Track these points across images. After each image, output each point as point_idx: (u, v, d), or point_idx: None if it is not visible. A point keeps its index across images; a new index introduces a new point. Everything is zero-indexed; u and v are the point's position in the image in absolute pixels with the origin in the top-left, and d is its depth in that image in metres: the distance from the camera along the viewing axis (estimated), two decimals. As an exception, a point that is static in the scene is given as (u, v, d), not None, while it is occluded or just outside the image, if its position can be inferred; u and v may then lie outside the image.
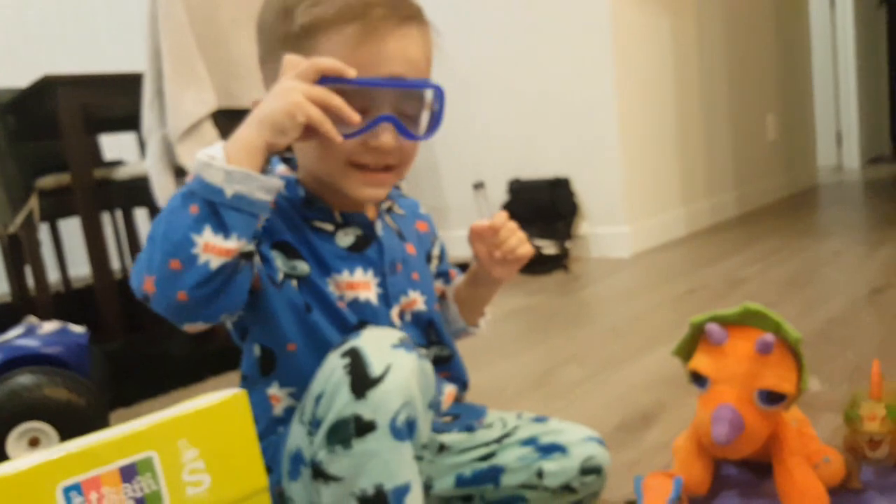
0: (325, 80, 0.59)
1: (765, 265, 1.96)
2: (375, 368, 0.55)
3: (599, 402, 1.13)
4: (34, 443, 1.12)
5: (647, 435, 0.98)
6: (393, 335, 0.58)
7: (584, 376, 1.26)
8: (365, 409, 0.54)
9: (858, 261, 1.89)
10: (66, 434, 1.11)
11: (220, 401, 0.50)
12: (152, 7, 1.66)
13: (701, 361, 0.79)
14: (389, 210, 0.75)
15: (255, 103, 0.62)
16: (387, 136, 0.63)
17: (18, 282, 2.46)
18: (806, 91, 3.73)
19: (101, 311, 1.96)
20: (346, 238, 0.68)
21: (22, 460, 0.43)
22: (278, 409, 0.66)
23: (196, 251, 0.54)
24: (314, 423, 0.57)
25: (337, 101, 0.58)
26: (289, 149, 0.68)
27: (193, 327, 0.59)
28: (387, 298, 0.69)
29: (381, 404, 0.54)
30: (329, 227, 0.68)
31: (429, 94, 0.67)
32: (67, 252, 2.84)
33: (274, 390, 0.66)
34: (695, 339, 0.84)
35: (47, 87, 1.86)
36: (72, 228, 2.91)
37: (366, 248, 0.69)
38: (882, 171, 4.12)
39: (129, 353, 1.78)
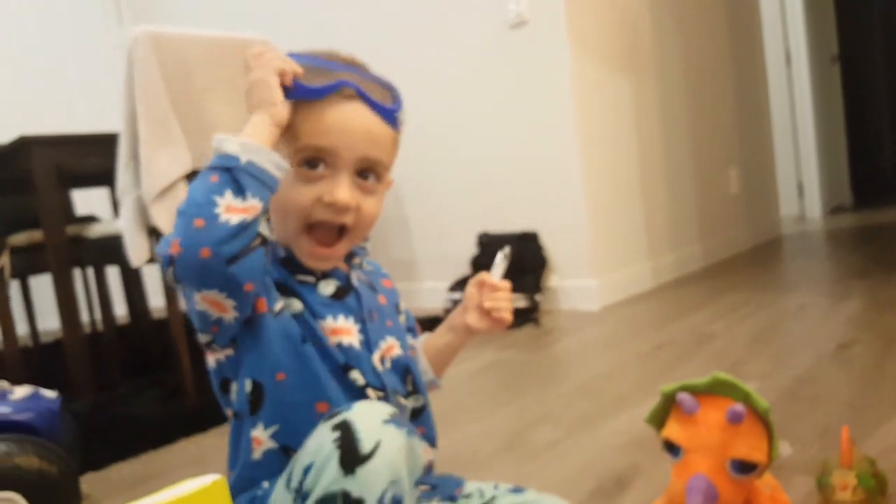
0: (289, 93, 0.66)
1: (731, 320, 2.00)
2: (365, 445, 0.56)
3: (573, 466, 1.14)
4: (4, 513, 1.09)
5: (622, 500, 0.99)
6: (384, 410, 0.60)
7: (556, 438, 1.27)
8: (353, 486, 0.55)
9: (823, 315, 1.93)
10: (36, 503, 1.09)
11: (199, 488, 0.50)
12: (129, 71, 1.68)
13: (673, 430, 0.81)
14: (359, 266, 0.79)
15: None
16: (342, 191, 0.67)
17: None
18: (766, 144, 3.86)
19: (70, 368, 1.93)
20: (327, 288, 0.72)
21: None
22: (258, 453, 0.67)
23: (218, 210, 0.60)
24: (302, 495, 0.58)
25: (297, 68, 0.67)
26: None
27: (210, 296, 0.62)
28: (368, 344, 0.72)
29: (370, 482, 0.55)
30: (311, 279, 0.72)
31: (388, 142, 0.72)
32: (36, 303, 2.80)
33: (258, 432, 0.67)
34: (667, 407, 0.85)
35: (22, 147, 1.87)
36: (41, 281, 2.87)
37: (345, 297, 0.73)
38: (844, 221, 4.26)
39: (98, 414, 1.75)
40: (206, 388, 1.79)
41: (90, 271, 2.65)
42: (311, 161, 0.67)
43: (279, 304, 0.68)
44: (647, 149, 2.80)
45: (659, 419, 0.86)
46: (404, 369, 0.76)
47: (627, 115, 2.70)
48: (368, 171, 0.70)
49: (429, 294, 2.77)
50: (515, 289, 2.44)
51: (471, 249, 2.71)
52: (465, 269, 2.72)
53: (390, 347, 0.75)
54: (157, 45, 1.69)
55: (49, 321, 3.17)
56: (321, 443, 0.57)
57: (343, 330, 0.70)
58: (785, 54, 4.47)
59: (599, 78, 2.54)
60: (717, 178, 3.32)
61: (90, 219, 2.54)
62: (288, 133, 0.67)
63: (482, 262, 2.68)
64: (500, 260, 0.83)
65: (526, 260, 2.55)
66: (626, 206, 2.66)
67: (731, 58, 3.50)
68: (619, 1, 2.68)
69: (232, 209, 0.60)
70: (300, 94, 0.67)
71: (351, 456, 0.55)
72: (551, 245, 2.54)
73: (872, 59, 5.62)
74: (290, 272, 0.71)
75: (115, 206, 2.74)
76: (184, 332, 1.83)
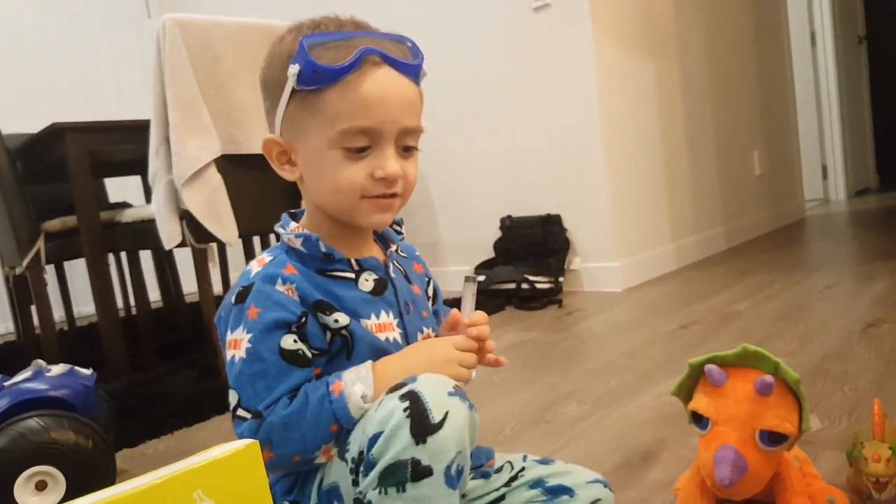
0: (318, 79, 0.65)
1: (756, 300, 2.00)
2: (435, 415, 0.57)
3: (599, 441, 1.15)
4: (41, 487, 1.13)
5: (649, 474, 1.00)
6: (448, 382, 0.62)
7: (582, 414, 1.28)
8: (423, 455, 0.56)
9: (850, 295, 1.93)
10: (73, 478, 1.12)
11: (233, 451, 0.51)
12: (158, 57, 1.71)
13: (701, 402, 0.82)
14: (394, 253, 0.79)
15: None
16: (391, 164, 0.68)
17: (24, 320, 2.48)
18: (790, 126, 3.82)
19: (105, 350, 1.98)
20: (367, 283, 0.73)
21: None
22: None
23: (317, 454, 0.65)
24: (366, 463, 0.59)
25: (473, 361, 0.71)
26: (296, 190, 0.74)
27: None
28: (406, 337, 0.74)
29: (440, 451, 0.57)
30: (350, 275, 0.72)
31: (419, 101, 0.72)
32: (72, 289, 2.87)
33: None
34: (694, 380, 0.87)
35: (56, 134, 1.90)
36: (76, 267, 2.93)
37: (384, 291, 0.73)
38: (869, 203, 4.21)
39: (132, 393, 1.79)
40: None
41: (123, 256, 2.70)
42: (356, 141, 0.67)
43: (327, 336, 0.69)
44: (670, 131, 2.78)
45: (686, 391, 0.87)
46: None
47: (650, 97, 2.68)
48: (407, 138, 0.70)
49: (453, 276, 2.79)
50: (539, 271, 2.46)
51: (495, 233, 2.72)
52: (488, 253, 2.74)
53: (427, 338, 0.77)
54: (185, 31, 1.72)
55: (84, 306, 3.25)
56: (390, 412, 0.58)
57: (385, 326, 0.71)
58: (810, 35, 4.41)
59: (622, 61, 2.53)
60: (741, 161, 3.30)
61: (124, 205, 2.59)
62: (323, 115, 0.67)
63: (505, 245, 2.69)
64: (468, 289, 0.76)
65: (549, 242, 2.56)
66: (648, 188, 2.65)
67: (755, 39, 3.46)
68: (641, -18, 2.66)
69: (326, 452, 0.65)
70: (329, 78, 0.65)
71: (422, 425, 0.57)
72: (574, 228, 2.54)
73: (900, 39, 5.50)
74: (327, 272, 0.71)
75: (147, 193, 2.79)
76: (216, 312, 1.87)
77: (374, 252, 0.77)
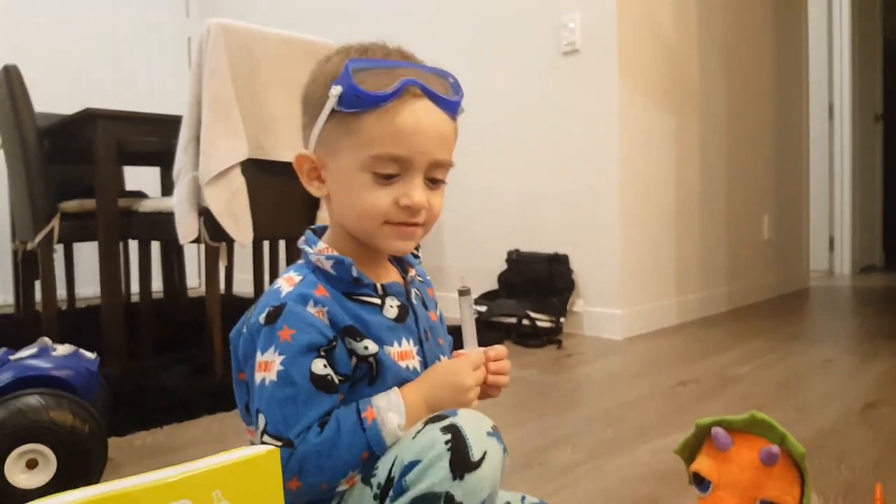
0: (358, 103, 0.67)
1: (756, 365, 2.01)
2: (475, 452, 0.59)
3: (592, 491, 1.15)
4: (32, 465, 1.12)
5: (641, 528, 1.00)
6: (487, 421, 0.63)
7: (576, 461, 1.28)
8: (458, 491, 0.57)
9: (851, 372, 1.93)
10: (64, 460, 1.12)
11: (254, 455, 0.52)
12: (199, 58, 1.74)
13: (704, 464, 0.82)
14: (414, 279, 0.80)
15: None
16: (417, 194, 0.69)
17: (26, 296, 2.48)
18: (802, 195, 3.86)
19: (104, 335, 1.98)
20: (391, 310, 0.73)
21: (55, 499, 0.43)
22: None
23: (343, 481, 0.65)
24: (396, 488, 0.60)
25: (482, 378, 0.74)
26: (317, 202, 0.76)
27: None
28: (426, 365, 0.74)
29: (474, 490, 0.58)
30: (377, 300, 0.73)
31: (453, 136, 0.73)
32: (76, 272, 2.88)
33: None
34: (699, 441, 0.87)
35: (88, 118, 1.93)
36: (82, 249, 2.94)
37: (406, 318, 0.74)
38: (873, 281, 4.23)
39: (127, 382, 1.79)
40: (235, 369, 1.84)
41: (132, 244, 2.72)
42: (386, 167, 0.68)
43: (353, 361, 0.69)
44: (685, 187, 2.82)
45: (689, 451, 0.88)
46: None
47: (669, 151, 2.72)
48: (437, 171, 0.71)
49: (455, 303, 2.79)
50: (541, 309, 2.47)
51: (501, 265, 2.74)
52: (492, 284, 2.75)
53: None
54: (228, 36, 1.75)
55: (84, 287, 3.25)
56: (432, 442, 0.59)
57: (407, 354, 0.72)
58: (828, 108, 4.47)
59: (645, 112, 2.57)
60: (751, 223, 3.33)
61: (140, 194, 2.61)
62: (358, 137, 0.68)
63: (510, 279, 2.71)
64: (465, 302, 0.77)
65: (554, 281, 2.57)
66: (658, 240, 2.68)
67: (775, 106, 3.51)
68: (669, 38, 2.71)
69: (350, 480, 0.65)
70: (369, 104, 0.67)
71: (462, 461, 0.58)
72: (581, 270, 2.56)
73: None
74: (354, 295, 0.71)
75: (164, 185, 2.82)
76: (219, 311, 1.88)
77: (393, 276, 0.78)
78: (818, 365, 2.01)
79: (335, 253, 0.72)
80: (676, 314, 2.73)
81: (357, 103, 0.67)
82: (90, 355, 1.31)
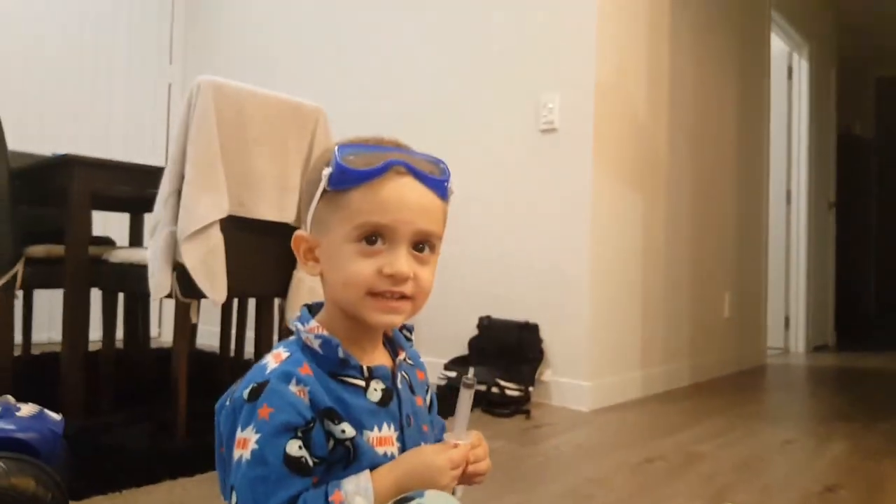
0: (345, 180, 0.70)
1: (718, 443, 2.03)
2: None
3: (566, 571, 1.14)
4: (-14, 531, 1.07)
5: None
6: (453, 501, 0.64)
7: (549, 539, 1.28)
8: None
9: (809, 454, 1.97)
10: (20, 527, 1.07)
11: None
12: (187, 113, 1.76)
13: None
14: (404, 361, 0.80)
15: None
16: (401, 263, 0.70)
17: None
18: (760, 274, 3.99)
19: (63, 387, 1.92)
20: (375, 394, 0.73)
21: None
22: None
23: None
24: None
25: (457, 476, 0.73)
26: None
27: None
28: (404, 449, 0.73)
29: None
30: (361, 382, 0.73)
31: (439, 213, 0.75)
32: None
33: None
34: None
35: (65, 164, 1.91)
36: (39, 294, 2.86)
37: (389, 402, 0.74)
38: (826, 360, 4.35)
39: (85, 439, 1.72)
40: (198, 429, 1.79)
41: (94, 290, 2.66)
42: (371, 237, 0.70)
43: (330, 444, 0.69)
44: (651, 263, 2.89)
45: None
46: None
47: (637, 227, 2.80)
48: (423, 243, 0.73)
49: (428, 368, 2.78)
50: (511, 377, 2.48)
51: (472, 330, 2.75)
52: (463, 348, 2.75)
53: None
54: (218, 94, 1.78)
55: (39, 333, 3.15)
56: None
57: (385, 440, 0.72)
58: (786, 194, 4.68)
59: (617, 189, 2.66)
60: (712, 300, 3.42)
61: (107, 240, 2.56)
62: (345, 211, 0.71)
63: (480, 344, 2.71)
64: (465, 395, 0.76)
65: (524, 350, 2.58)
66: (626, 313, 2.73)
67: (737, 189, 3.67)
68: (641, 121, 2.83)
69: None
70: (355, 180, 0.70)
71: None
72: (550, 340, 2.58)
73: (866, 210, 5.88)
74: (338, 375, 0.72)
75: (133, 232, 2.78)
76: (186, 368, 1.84)
77: (383, 358, 0.78)
78: (777, 445, 2.05)
79: (324, 332, 0.73)
80: (641, 387, 2.76)
81: (343, 180, 0.70)
82: (55, 416, 1.27)
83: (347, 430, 0.68)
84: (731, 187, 3.62)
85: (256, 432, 0.65)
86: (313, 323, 0.74)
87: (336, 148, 0.71)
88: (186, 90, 1.80)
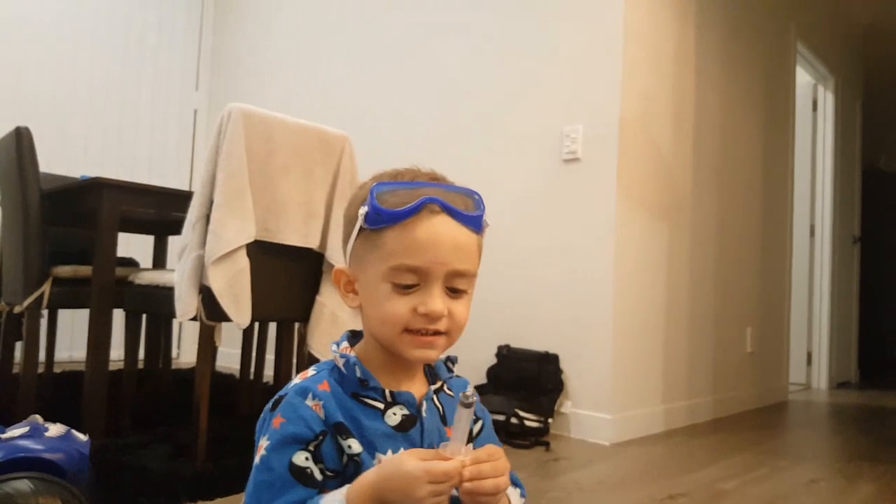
0: (379, 220, 0.72)
1: (743, 481, 1.99)
2: None
3: None
4: (12, 551, 1.08)
5: None
6: None
7: (573, 576, 1.25)
8: None
9: (837, 494, 1.93)
10: (44, 547, 1.08)
11: None
12: (217, 140, 1.79)
13: None
14: (440, 391, 0.80)
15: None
16: (434, 302, 0.71)
17: (5, 357, 2.42)
18: (783, 310, 3.94)
19: (85, 407, 1.93)
20: (394, 417, 0.74)
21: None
22: None
23: None
24: None
25: (445, 498, 0.66)
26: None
27: None
28: None
29: None
30: (380, 405, 0.74)
31: (474, 248, 0.76)
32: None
33: None
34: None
35: (96, 187, 1.95)
36: (63, 313, 2.90)
37: (410, 429, 0.74)
38: (850, 397, 4.27)
39: (105, 459, 1.73)
40: (218, 451, 1.79)
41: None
42: (405, 277, 0.72)
43: (344, 459, 0.70)
44: (674, 297, 2.87)
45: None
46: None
47: (661, 260, 2.79)
48: (457, 280, 0.74)
49: (439, 397, 2.76)
50: (530, 408, 2.45)
51: (491, 359, 2.73)
52: (481, 377, 2.73)
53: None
54: (248, 121, 1.80)
55: (62, 352, 3.18)
56: None
57: None
58: (810, 228, 4.63)
59: (640, 221, 2.65)
60: (735, 335, 3.38)
61: (131, 261, 2.60)
62: (381, 251, 0.72)
63: (499, 374, 2.69)
64: (463, 414, 0.68)
65: (542, 381, 2.56)
66: (648, 346, 2.70)
67: (761, 223, 3.64)
68: (665, 153, 2.83)
69: None
70: (390, 220, 0.72)
71: None
72: (570, 371, 2.56)
73: (891, 245, 5.80)
74: (358, 395, 0.73)
75: (157, 254, 2.81)
76: (208, 391, 1.84)
77: (417, 386, 0.78)
78: (804, 484, 2.01)
79: (350, 353, 0.76)
80: (664, 421, 2.72)
81: (378, 220, 0.72)
82: (82, 437, 1.28)
83: (354, 446, 0.70)
84: (755, 221, 3.59)
85: (268, 440, 0.70)
86: (344, 345, 0.78)
87: (373, 187, 0.73)
88: (211, 116, 1.84)
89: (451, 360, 0.85)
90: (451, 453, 0.67)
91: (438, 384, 0.81)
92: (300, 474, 0.68)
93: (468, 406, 0.68)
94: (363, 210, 0.73)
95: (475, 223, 0.75)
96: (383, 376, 0.75)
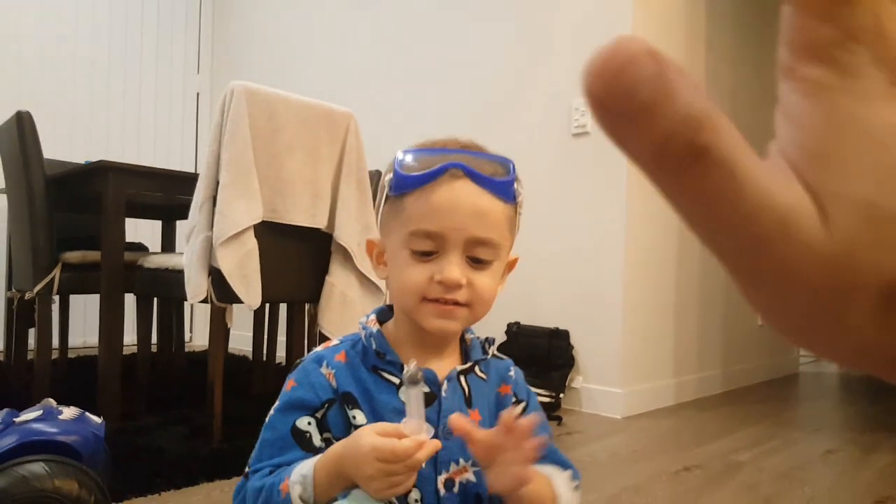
0: (398, 186, 0.70)
1: (757, 452, 1.99)
2: None
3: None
4: (32, 534, 1.08)
5: None
6: None
7: (590, 548, 1.25)
8: None
9: (854, 465, 1.92)
10: (65, 529, 1.08)
11: None
12: (220, 119, 1.77)
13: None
14: (468, 371, 0.76)
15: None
16: (450, 270, 0.68)
17: (18, 344, 2.43)
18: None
19: (100, 390, 1.94)
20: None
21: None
22: None
23: None
24: None
25: (404, 477, 0.63)
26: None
27: None
28: (436, 464, 0.69)
29: None
30: (395, 379, 0.72)
31: (500, 217, 0.71)
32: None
33: None
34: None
35: (100, 171, 1.93)
36: (76, 299, 2.90)
37: (426, 407, 0.69)
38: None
39: (122, 441, 1.73)
40: (233, 432, 1.79)
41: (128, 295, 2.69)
42: (423, 243, 0.69)
43: (352, 429, 0.69)
44: (686, 270, 2.85)
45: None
46: (475, 498, 0.71)
47: (671, 235, 2.76)
48: (479, 249, 0.70)
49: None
50: (542, 384, 2.45)
51: (500, 336, 2.73)
52: (491, 356, 2.73)
53: (462, 470, 0.71)
54: (251, 99, 1.78)
55: (76, 338, 3.20)
56: None
57: None
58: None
59: (651, 194, 2.62)
60: (745, 309, 3.34)
61: (140, 246, 2.59)
62: (402, 216, 0.70)
63: (509, 351, 2.69)
64: (411, 393, 0.64)
65: (553, 357, 2.56)
66: (658, 321, 2.69)
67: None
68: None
69: None
70: (411, 184, 0.69)
71: None
72: (581, 347, 2.55)
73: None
74: (376, 368, 0.72)
75: (166, 238, 2.81)
76: (222, 373, 1.84)
77: (445, 364, 0.75)
78: (819, 455, 2.00)
79: (375, 326, 0.75)
80: (674, 394, 2.72)
81: (400, 185, 0.70)
82: (96, 420, 1.28)
83: (359, 417, 0.70)
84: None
85: (279, 401, 0.73)
86: (371, 317, 0.77)
87: (398, 153, 0.71)
88: (214, 99, 1.81)
89: (488, 342, 0.80)
90: (409, 431, 0.63)
91: (468, 364, 0.76)
92: (299, 437, 0.70)
93: (414, 383, 0.64)
94: (388, 177, 0.71)
95: (502, 189, 0.70)
96: (408, 351, 0.73)
